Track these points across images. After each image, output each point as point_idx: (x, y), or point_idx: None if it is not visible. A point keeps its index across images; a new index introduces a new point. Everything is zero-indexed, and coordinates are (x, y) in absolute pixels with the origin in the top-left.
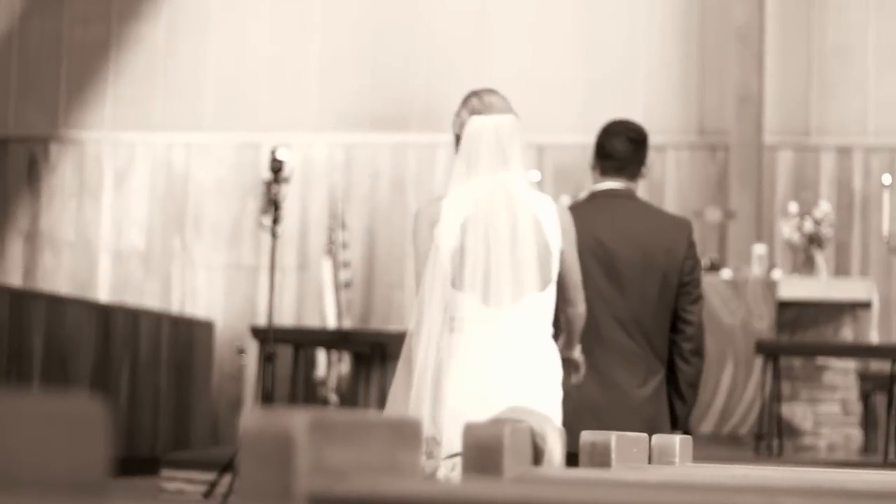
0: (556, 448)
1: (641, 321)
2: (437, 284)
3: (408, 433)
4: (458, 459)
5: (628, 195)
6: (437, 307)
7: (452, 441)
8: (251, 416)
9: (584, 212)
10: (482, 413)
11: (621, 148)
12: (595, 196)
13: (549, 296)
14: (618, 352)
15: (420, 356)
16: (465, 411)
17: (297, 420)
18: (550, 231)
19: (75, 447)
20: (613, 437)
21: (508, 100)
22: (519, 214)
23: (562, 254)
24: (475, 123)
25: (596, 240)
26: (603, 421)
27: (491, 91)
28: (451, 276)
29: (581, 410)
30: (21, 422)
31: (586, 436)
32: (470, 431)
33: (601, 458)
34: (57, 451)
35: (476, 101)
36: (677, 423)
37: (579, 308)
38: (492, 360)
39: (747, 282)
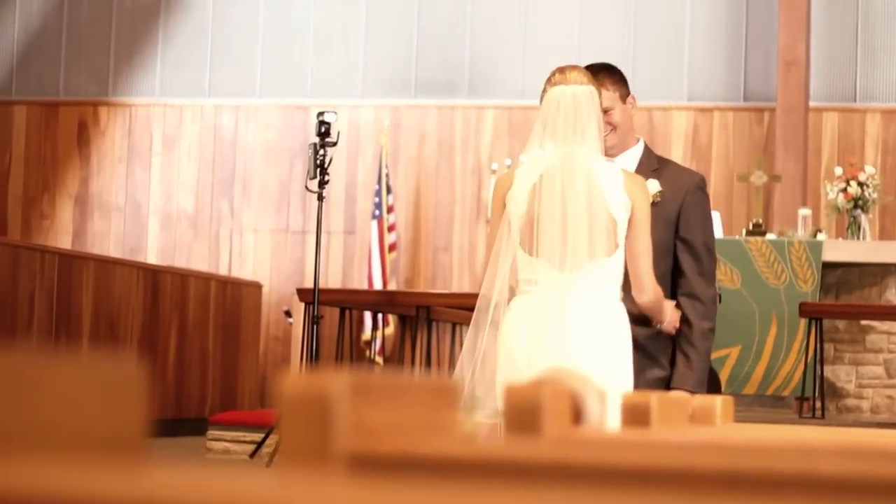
0: (595, 409)
1: None
2: (508, 250)
3: (447, 394)
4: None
5: None
6: (506, 272)
7: None
8: (291, 378)
9: None
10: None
11: None
12: None
13: (618, 260)
14: None
15: (488, 319)
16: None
17: (337, 381)
18: (616, 198)
19: (114, 409)
20: (654, 398)
21: (591, 76)
22: (585, 181)
23: (629, 223)
24: (554, 93)
25: None
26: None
27: (575, 67)
28: (521, 241)
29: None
30: (59, 383)
31: (627, 397)
32: (509, 392)
33: (642, 417)
34: (95, 413)
35: (558, 75)
36: None
37: (644, 296)
38: (563, 324)
39: (792, 245)
